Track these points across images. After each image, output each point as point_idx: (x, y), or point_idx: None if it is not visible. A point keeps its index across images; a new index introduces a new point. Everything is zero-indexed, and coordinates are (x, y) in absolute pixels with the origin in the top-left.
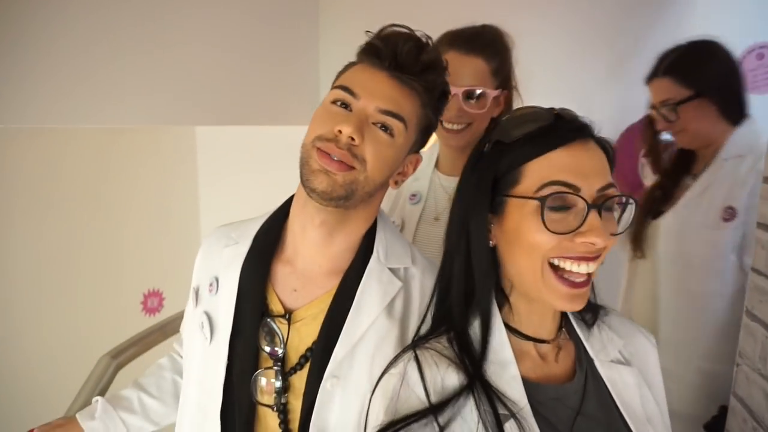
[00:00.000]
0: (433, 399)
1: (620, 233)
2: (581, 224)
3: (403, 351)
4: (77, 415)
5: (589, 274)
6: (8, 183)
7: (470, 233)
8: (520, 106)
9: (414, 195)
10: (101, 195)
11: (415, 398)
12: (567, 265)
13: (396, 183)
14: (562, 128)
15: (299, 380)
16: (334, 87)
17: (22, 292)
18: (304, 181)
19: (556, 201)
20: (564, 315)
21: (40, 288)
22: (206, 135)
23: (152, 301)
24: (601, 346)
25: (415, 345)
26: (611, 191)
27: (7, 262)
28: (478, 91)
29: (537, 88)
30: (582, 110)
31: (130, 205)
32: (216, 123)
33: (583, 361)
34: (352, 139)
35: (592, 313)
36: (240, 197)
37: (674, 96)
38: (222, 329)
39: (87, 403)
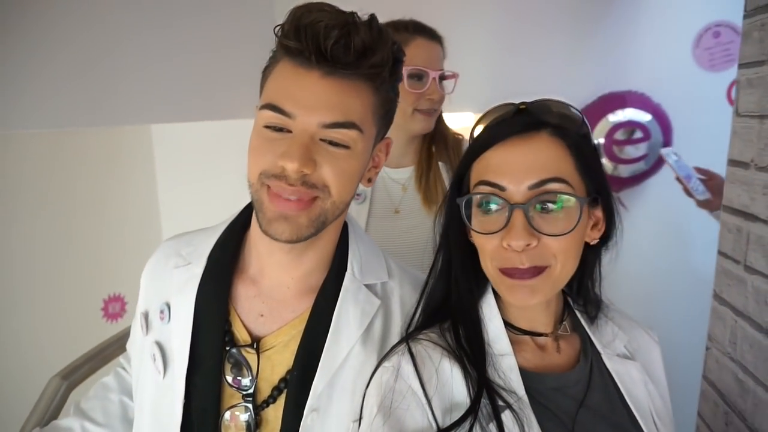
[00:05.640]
0: (429, 391)
1: (562, 234)
2: (506, 224)
3: (397, 344)
4: None
5: (540, 267)
6: None
7: (449, 230)
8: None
9: (358, 195)
10: (55, 199)
11: (411, 391)
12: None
13: (369, 180)
14: (503, 126)
15: (273, 415)
16: (261, 105)
17: None
18: (263, 230)
19: (483, 201)
20: (568, 308)
21: None
22: (163, 133)
23: (114, 306)
24: (608, 340)
25: (408, 337)
26: (551, 187)
27: None
28: (450, 73)
29: (502, 72)
30: (543, 91)
31: (87, 208)
32: (172, 120)
33: (588, 353)
34: (302, 171)
35: (595, 306)
36: (200, 194)
37: None
38: (177, 363)
39: None
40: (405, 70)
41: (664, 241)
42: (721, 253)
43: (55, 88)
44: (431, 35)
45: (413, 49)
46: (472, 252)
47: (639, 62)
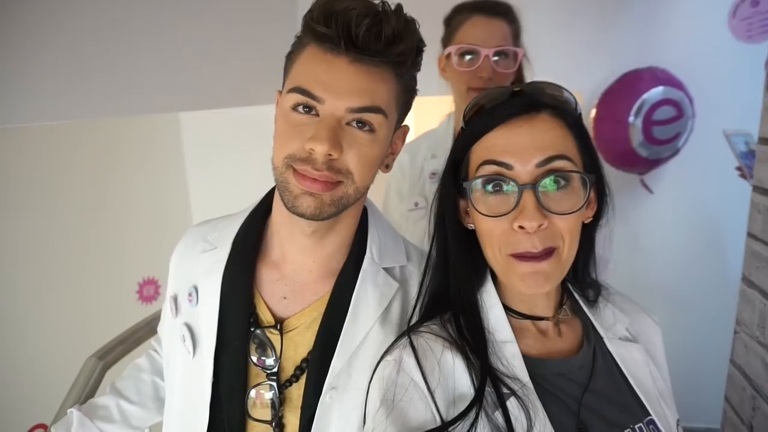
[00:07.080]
0: (432, 384)
1: (572, 212)
2: (516, 205)
3: (399, 337)
4: (52, 429)
5: (550, 249)
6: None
7: (445, 217)
8: (530, 72)
9: (434, 173)
10: (89, 187)
11: (413, 384)
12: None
13: (387, 166)
14: (503, 108)
15: (296, 393)
16: (289, 89)
17: (16, 287)
18: (288, 207)
19: (490, 183)
20: (567, 291)
21: (32, 283)
22: (191, 120)
23: (148, 289)
24: (609, 324)
25: (410, 330)
26: (557, 164)
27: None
28: (510, 50)
29: (530, 49)
30: (571, 70)
31: (120, 196)
32: (199, 108)
33: (591, 337)
34: (330, 154)
35: (593, 289)
36: (228, 179)
37: None
38: (206, 343)
39: None
40: (453, 49)
41: (691, 222)
42: (750, 234)
43: (87, 81)
44: (492, 11)
45: (468, 27)
46: (467, 240)
47: (671, 36)
